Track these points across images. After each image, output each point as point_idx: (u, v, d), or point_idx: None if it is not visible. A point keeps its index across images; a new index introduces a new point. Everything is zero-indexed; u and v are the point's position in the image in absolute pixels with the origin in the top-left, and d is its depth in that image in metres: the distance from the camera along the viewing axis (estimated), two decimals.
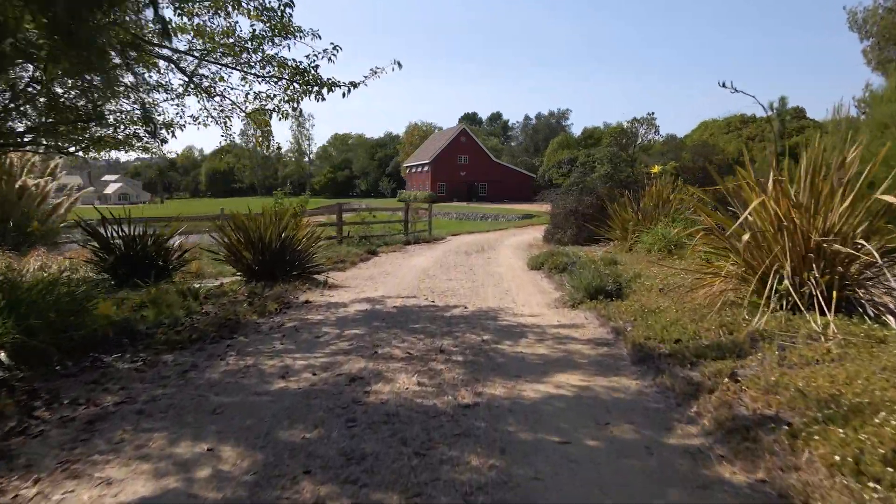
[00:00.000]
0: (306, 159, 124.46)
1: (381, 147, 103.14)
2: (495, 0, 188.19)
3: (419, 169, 75.08)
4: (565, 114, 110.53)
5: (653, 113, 19.99)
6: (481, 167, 71.14)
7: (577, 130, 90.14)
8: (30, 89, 6.17)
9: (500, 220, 49.18)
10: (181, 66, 6.85)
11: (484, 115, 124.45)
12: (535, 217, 47.61)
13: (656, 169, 11.93)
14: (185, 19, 6.83)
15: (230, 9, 6.68)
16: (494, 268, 11.69)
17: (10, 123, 6.51)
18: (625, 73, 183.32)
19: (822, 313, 4.45)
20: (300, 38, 6.91)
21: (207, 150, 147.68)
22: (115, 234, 10.65)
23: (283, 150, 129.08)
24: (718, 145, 27.43)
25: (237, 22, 6.92)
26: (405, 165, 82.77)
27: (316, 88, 6.91)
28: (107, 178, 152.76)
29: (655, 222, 10.54)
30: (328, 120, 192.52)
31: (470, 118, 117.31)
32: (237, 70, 6.96)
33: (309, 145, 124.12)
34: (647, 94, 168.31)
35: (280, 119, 7.79)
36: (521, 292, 8.03)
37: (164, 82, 7.84)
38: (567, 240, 19.23)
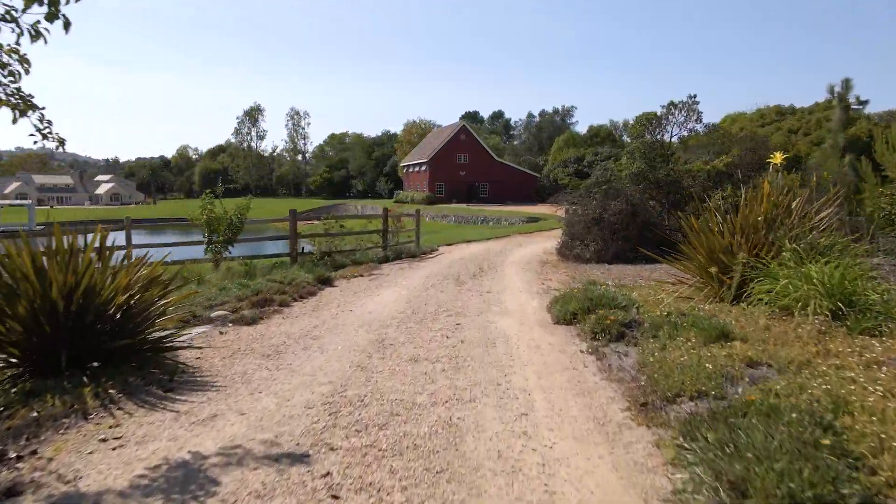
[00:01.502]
0: (302, 158, 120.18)
1: (378, 146, 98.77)
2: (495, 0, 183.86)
3: (417, 169, 70.71)
4: (570, 111, 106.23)
5: (695, 96, 16.11)
6: (482, 166, 66.72)
7: (582, 129, 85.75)
8: None
9: (502, 224, 44.71)
10: None
11: (485, 113, 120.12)
12: (541, 220, 43.18)
13: (779, 158, 7.33)
14: None
15: None
16: (497, 319, 7.25)
17: None
18: (631, 71, 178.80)
19: None
20: None
21: (203, 150, 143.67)
22: None
23: (278, 149, 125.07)
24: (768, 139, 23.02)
25: None
26: (402, 165, 78.41)
27: None
28: (100, 178, 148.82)
29: (774, 251, 6.03)
30: (327, 120, 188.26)
31: (471, 117, 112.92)
32: None
33: (304, 144, 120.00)
34: (655, 93, 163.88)
35: (19, 35, 3.45)
36: (560, 429, 3.51)
37: None
38: (590, 256, 14.80)
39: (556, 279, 11.55)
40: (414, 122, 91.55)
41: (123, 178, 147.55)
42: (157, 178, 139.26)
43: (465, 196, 66.05)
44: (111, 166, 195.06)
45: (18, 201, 74.48)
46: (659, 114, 15.80)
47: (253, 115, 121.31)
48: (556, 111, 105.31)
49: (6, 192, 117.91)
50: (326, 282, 10.34)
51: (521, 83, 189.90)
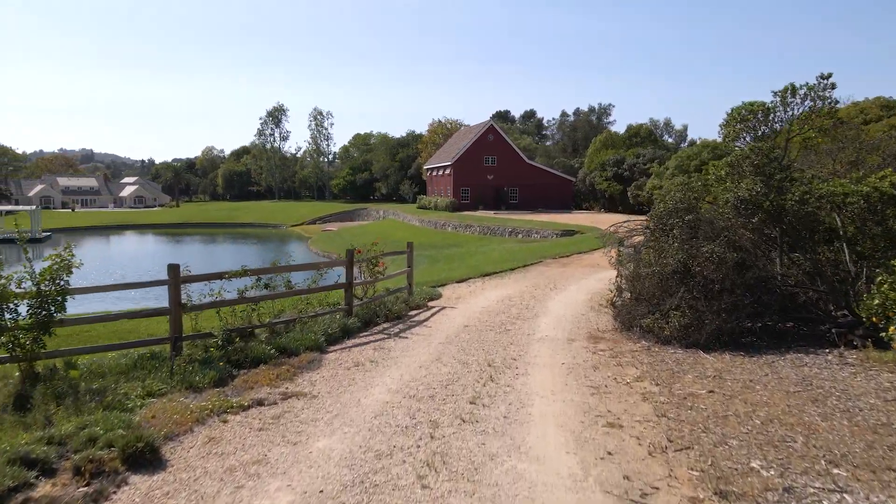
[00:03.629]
0: (326, 160, 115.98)
1: (402, 147, 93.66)
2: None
3: (440, 172, 65.33)
4: (607, 110, 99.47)
5: (828, 76, 11.05)
6: (511, 169, 60.88)
7: (620, 128, 78.98)
8: None
9: (532, 238, 38.91)
10: None
11: (517, 113, 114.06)
12: (577, 234, 37.09)
13: None
14: None
15: None
16: None
17: None
18: (672, 66, 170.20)
19: None
20: None
21: (227, 151, 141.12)
22: None
23: (301, 150, 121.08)
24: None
25: None
26: (426, 167, 73.16)
27: None
28: (125, 180, 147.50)
29: None
30: (354, 122, 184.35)
31: (502, 116, 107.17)
32: None
33: (328, 145, 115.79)
34: (694, 91, 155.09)
35: None
36: None
37: None
38: (671, 333, 9.04)
39: (629, 417, 5.90)
40: (439, 121, 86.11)
41: (150, 179, 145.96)
42: (180, 179, 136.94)
43: (492, 202, 60.37)
44: (146, 167, 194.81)
45: (21, 207, 71.62)
46: (769, 104, 10.61)
47: (276, 115, 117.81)
48: (591, 109, 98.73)
49: (31, 194, 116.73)
50: (140, 458, 4.80)
51: (554, 81, 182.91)
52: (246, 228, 78.44)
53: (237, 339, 8.28)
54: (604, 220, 44.79)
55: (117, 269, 35.18)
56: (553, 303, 13.06)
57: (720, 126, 12.24)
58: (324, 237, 57.03)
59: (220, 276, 8.29)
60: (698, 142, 63.10)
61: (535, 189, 60.98)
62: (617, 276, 13.53)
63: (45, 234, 60.70)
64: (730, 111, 11.23)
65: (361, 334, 9.81)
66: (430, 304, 12.98)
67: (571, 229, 38.36)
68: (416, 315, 11.64)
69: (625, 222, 12.02)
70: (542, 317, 11.48)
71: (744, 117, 10.93)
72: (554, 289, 15.17)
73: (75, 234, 71.21)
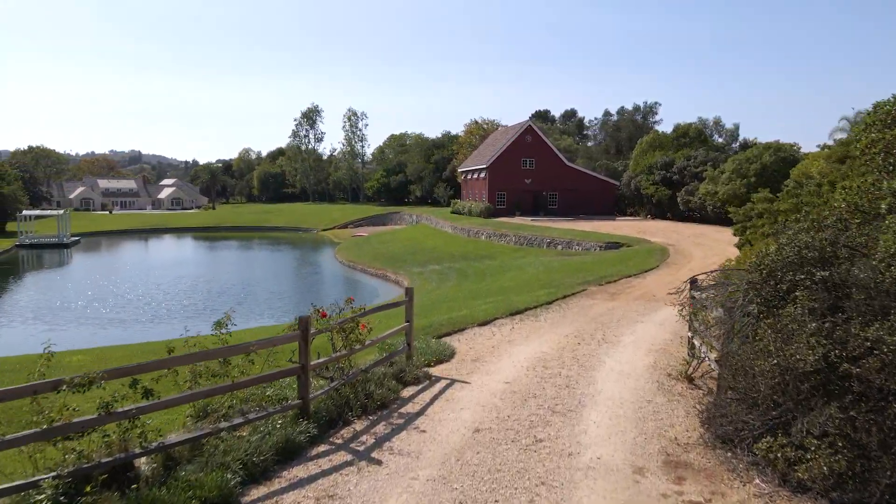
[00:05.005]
0: (359, 161, 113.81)
1: (438, 148, 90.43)
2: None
3: (475, 175, 61.82)
4: (653, 108, 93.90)
5: None
6: (550, 173, 56.91)
7: (667, 127, 73.78)
8: None
9: (573, 250, 35.00)
10: None
11: (557, 112, 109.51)
12: (623, 246, 33.00)
13: None
14: None
15: None
16: None
17: None
18: (721, 62, 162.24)
19: None
20: None
21: (264, 153, 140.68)
22: None
23: (336, 151, 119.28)
24: None
25: None
26: (461, 170, 69.75)
27: None
28: (164, 182, 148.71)
29: None
30: (392, 124, 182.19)
31: (541, 116, 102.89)
32: None
33: (362, 147, 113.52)
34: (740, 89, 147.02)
35: None
36: None
37: None
38: (811, 477, 5.22)
39: None
40: (476, 121, 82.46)
41: (188, 181, 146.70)
42: (216, 181, 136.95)
43: (530, 207, 56.56)
44: (189, 168, 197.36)
45: (50, 211, 71.12)
46: None
47: (311, 116, 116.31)
48: (636, 108, 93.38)
49: (71, 196, 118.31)
50: None
51: (596, 79, 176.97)
52: (277, 232, 76.57)
53: (89, 488, 5.00)
54: (652, 229, 40.43)
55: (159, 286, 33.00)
56: (604, 373, 9.45)
57: (855, 131, 8.74)
58: (352, 244, 54.18)
59: (32, 389, 5.00)
60: (751, 142, 57.92)
61: (576, 194, 56.91)
62: (690, 331, 9.89)
63: (73, 238, 59.71)
64: (871, 108, 7.49)
65: (314, 450, 6.44)
66: (436, 371, 9.57)
67: (617, 241, 34.36)
68: (409, 399, 8.24)
69: (711, 273, 8.29)
70: (590, 406, 7.91)
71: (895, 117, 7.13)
72: (603, 341, 11.55)
73: (109, 237, 70.38)
